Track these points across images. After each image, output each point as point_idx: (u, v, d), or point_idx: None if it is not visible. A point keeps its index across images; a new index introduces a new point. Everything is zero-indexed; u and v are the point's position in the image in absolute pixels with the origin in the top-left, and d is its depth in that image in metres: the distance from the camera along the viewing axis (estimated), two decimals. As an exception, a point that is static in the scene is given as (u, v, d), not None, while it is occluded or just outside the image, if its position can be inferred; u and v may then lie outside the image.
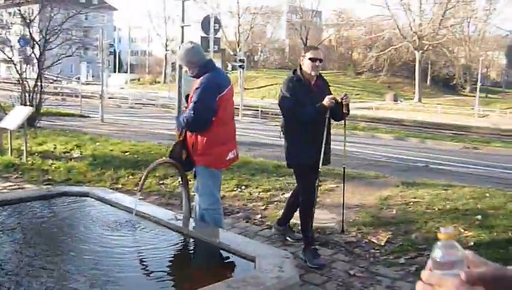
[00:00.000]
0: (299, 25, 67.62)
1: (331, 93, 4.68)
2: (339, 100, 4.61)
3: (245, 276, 3.07)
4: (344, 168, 5.76)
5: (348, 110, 4.74)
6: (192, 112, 4.22)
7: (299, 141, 4.62)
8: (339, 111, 4.68)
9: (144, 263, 3.56)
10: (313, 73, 4.61)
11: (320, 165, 4.69)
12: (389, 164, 12.26)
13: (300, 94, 4.54)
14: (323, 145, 4.61)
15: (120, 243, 3.75)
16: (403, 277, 4.31)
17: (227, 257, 3.53)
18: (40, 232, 4.00)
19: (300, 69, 4.68)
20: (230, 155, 4.46)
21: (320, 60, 4.65)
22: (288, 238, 5.18)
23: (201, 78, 4.34)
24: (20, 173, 7.88)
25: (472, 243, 4.84)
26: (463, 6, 52.19)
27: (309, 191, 4.78)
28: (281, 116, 4.89)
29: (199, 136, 4.31)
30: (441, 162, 14.07)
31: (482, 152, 18.73)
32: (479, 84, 43.87)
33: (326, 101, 4.44)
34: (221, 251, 3.61)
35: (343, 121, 5.00)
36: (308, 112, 4.47)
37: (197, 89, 4.31)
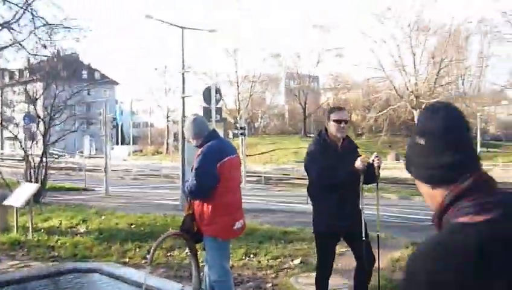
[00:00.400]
0: (297, 90, 68.90)
1: (359, 156, 4.40)
2: (371, 161, 4.32)
3: None
4: (378, 235, 5.00)
5: (379, 173, 4.40)
6: (194, 178, 4.29)
7: (326, 208, 4.33)
8: (371, 173, 4.34)
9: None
10: (338, 135, 4.43)
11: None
12: (397, 224, 12.16)
13: (327, 157, 4.33)
14: (356, 212, 4.40)
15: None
16: None
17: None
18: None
19: (326, 131, 4.52)
20: (238, 225, 4.47)
21: (346, 121, 4.50)
22: None
23: (203, 146, 4.45)
24: (26, 250, 7.81)
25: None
26: (456, 65, 53.41)
27: (327, 265, 4.54)
28: (306, 181, 4.69)
29: (205, 206, 4.35)
30: (448, 220, 13.91)
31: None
32: (479, 139, 44.15)
33: (358, 163, 4.20)
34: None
35: (374, 184, 4.59)
36: (338, 176, 4.22)
37: (198, 156, 4.41)
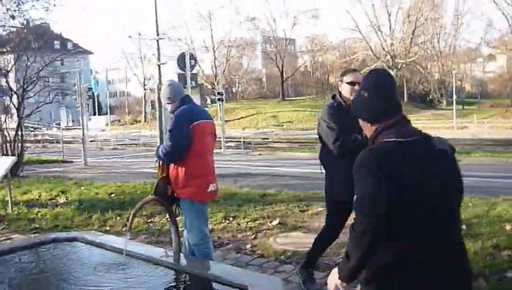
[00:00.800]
0: (274, 54, 68.50)
1: None
2: None
3: (239, 306, 3.12)
4: None
5: None
6: (169, 139, 4.39)
7: (343, 174, 3.89)
8: None
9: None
10: (352, 98, 4.09)
11: None
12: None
13: (343, 121, 4.12)
14: None
15: (112, 284, 3.77)
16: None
17: (221, 288, 3.56)
18: (33, 281, 4.00)
19: (340, 94, 4.34)
20: (211, 187, 4.57)
21: (360, 83, 4.29)
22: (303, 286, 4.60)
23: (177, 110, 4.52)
24: (6, 223, 7.84)
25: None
26: (432, 23, 53.58)
27: (336, 231, 4.49)
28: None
29: (179, 169, 4.46)
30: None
31: (464, 163, 18.96)
32: (454, 97, 44.71)
33: None
34: (214, 283, 3.65)
35: None
36: (356, 140, 4.00)
37: (171, 119, 4.51)
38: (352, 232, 2.10)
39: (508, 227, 5.46)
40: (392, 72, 49.73)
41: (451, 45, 60.53)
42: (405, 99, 60.12)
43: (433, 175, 2.11)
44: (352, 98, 3.97)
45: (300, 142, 32.26)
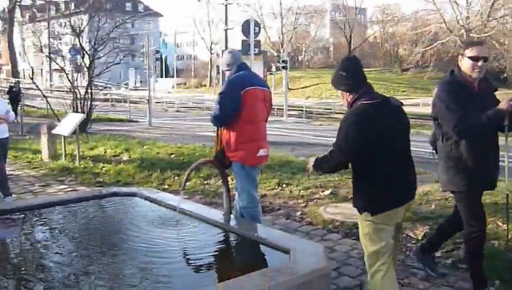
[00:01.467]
0: (343, 23, 67.13)
1: (497, 100, 3.73)
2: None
3: (280, 266, 3.27)
4: (507, 195, 4.29)
5: None
6: (218, 101, 4.58)
7: (469, 161, 3.69)
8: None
9: (186, 256, 3.82)
10: (474, 75, 3.69)
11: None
12: (434, 161, 12.15)
13: (466, 101, 3.63)
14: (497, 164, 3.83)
15: (165, 239, 4.02)
16: (438, 269, 4.40)
17: (265, 250, 3.73)
18: (94, 229, 4.32)
19: (459, 69, 3.79)
20: (261, 152, 4.69)
21: (485, 59, 3.71)
22: (428, 270, 4.33)
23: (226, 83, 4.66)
24: (73, 176, 8.37)
25: (510, 236, 4.86)
26: (513, -3, 50.61)
27: (481, 221, 3.85)
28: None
29: (231, 134, 4.62)
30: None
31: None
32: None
33: (504, 104, 3.55)
34: (259, 245, 3.82)
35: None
36: (482, 122, 3.55)
37: (224, 84, 4.69)
38: (329, 156, 3.34)
39: None
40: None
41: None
42: (477, 76, 57.70)
43: (395, 123, 3.29)
44: (474, 75, 3.68)
45: (363, 114, 31.81)
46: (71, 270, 3.39)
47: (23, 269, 3.41)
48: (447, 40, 50.68)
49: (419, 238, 5.13)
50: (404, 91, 52.22)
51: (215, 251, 3.99)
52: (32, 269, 3.42)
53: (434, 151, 4.17)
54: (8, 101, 17.81)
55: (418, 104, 40.73)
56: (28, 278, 3.25)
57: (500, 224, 5.24)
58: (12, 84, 19.74)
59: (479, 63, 3.66)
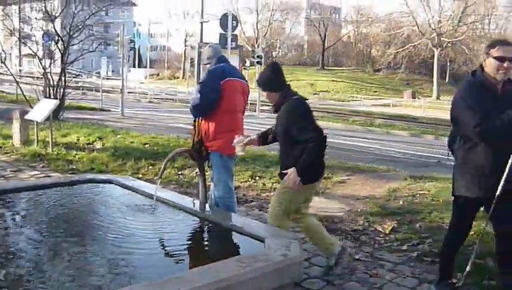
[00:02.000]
0: (318, 22, 67.63)
1: None
2: None
3: (255, 253, 3.38)
4: None
5: None
6: (198, 91, 4.73)
7: (476, 169, 3.59)
8: None
9: (162, 243, 3.90)
10: (498, 76, 3.50)
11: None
12: (403, 160, 12.48)
13: (488, 103, 3.46)
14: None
15: (141, 226, 4.09)
16: (405, 261, 4.60)
17: (240, 238, 3.84)
18: (68, 215, 4.35)
19: (482, 70, 3.58)
20: None
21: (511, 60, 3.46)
22: None
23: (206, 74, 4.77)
24: (46, 162, 8.32)
25: (472, 232, 5.08)
26: (483, 3, 51.81)
27: (460, 235, 4.02)
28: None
29: (209, 124, 4.76)
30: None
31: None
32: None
33: None
34: (234, 233, 3.93)
35: None
36: (503, 123, 3.35)
37: (203, 75, 4.84)
38: (310, 154, 3.84)
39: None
40: (436, 51, 48.81)
41: (502, 28, 58.65)
42: (447, 80, 58.95)
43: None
44: (498, 77, 3.49)
45: (334, 112, 32.24)
46: (38, 257, 3.44)
47: None
48: (419, 42, 51.69)
49: (387, 232, 5.32)
50: (375, 91, 52.99)
51: (191, 239, 4.09)
52: None
53: (450, 152, 4.12)
54: None
55: (388, 104, 41.45)
56: None
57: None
58: None
59: (505, 64, 3.44)
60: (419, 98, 46.71)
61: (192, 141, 4.99)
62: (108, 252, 3.52)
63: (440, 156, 14.40)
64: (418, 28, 50.65)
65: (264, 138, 4.49)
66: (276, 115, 4.15)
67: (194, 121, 4.94)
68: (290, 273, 3.39)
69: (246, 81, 5.13)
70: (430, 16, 49.90)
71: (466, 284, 4.06)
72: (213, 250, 3.89)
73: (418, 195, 6.63)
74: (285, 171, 3.98)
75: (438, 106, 41.48)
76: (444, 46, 49.83)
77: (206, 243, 4.15)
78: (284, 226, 4.16)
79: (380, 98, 47.45)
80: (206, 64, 4.94)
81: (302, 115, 4.00)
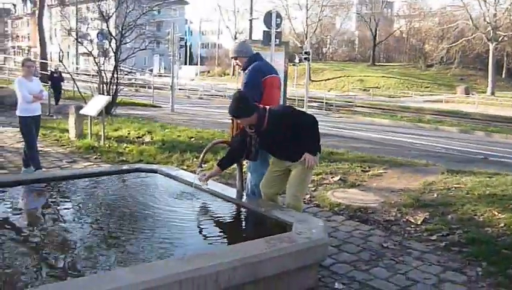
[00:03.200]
0: (369, 17, 66.82)
1: None
2: None
3: (281, 235, 3.67)
4: None
5: None
6: (244, 90, 4.93)
7: None
8: None
9: (200, 226, 4.25)
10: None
11: None
12: (447, 155, 12.40)
13: None
14: None
15: (180, 210, 4.45)
16: (432, 250, 4.75)
17: (271, 223, 4.14)
18: (116, 200, 4.78)
19: None
20: None
21: None
22: None
23: (248, 73, 5.00)
24: (98, 154, 8.86)
25: (502, 224, 5.19)
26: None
27: None
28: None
29: None
30: (504, 155, 14.01)
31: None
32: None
33: None
34: (266, 218, 4.23)
35: None
36: None
37: (245, 73, 5.02)
38: (314, 136, 4.29)
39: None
40: (491, 45, 47.29)
41: None
42: (503, 75, 57.02)
43: None
44: None
45: (383, 108, 31.96)
46: (89, 236, 3.86)
47: (44, 235, 3.89)
48: (473, 36, 50.21)
49: (418, 223, 5.47)
50: (427, 87, 51.95)
51: (226, 222, 4.42)
52: (54, 237, 3.89)
53: None
54: (50, 86, 18.19)
55: (441, 100, 40.62)
56: (47, 245, 3.72)
57: (496, 213, 5.56)
58: (54, 70, 19.73)
59: None
60: (473, 94, 45.51)
61: (231, 133, 5.29)
62: (149, 232, 3.91)
63: (487, 152, 14.24)
64: (472, 21, 49.20)
65: (228, 163, 4.74)
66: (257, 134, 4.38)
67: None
68: (314, 255, 3.66)
69: (278, 75, 5.40)
70: (485, 9, 48.36)
71: (491, 272, 4.21)
72: (245, 232, 4.21)
73: (453, 188, 6.71)
74: (302, 159, 4.27)
75: (492, 102, 40.36)
76: (499, 40, 48.23)
77: (239, 226, 4.48)
78: (301, 207, 4.55)
79: (432, 94, 46.55)
80: (241, 57, 5.12)
81: (292, 111, 4.39)
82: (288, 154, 4.42)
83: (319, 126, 4.41)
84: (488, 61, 48.64)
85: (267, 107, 4.36)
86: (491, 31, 47.40)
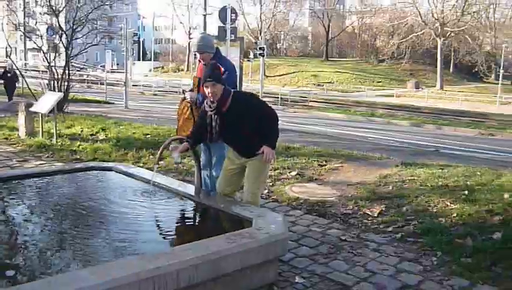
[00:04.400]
0: (322, 13, 67.59)
1: None
2: None
3: (242, 231, 3.67)
4: None
5: None
6: (230, 78, 4.87)
7: None
8: None
9: (158, 223, 4.19)
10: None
11: None
12: (400, 149, 12.68)
13: None
14: None
15: (137, 208, 4.38)
16: (389, 242, 4.85)
17: (230, 219, 4.13)
18: (71, 199, 4.66)
19: None
20: None
21: None
22: None
23: (222, 62, 4.84)
24: (50, 153, 8.61)
25: (455, 215, 5.35)
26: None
27: None
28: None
29: None
30: (453, 147, 14.46)
31: (497, 138, 19.01)
32: (501, 71, 43.57)
33: None
34: (225, 214, 4.21)
35: None
36: None
37: (225, 72, 4.75)
38: (273, 130, 4.26)
39: (506, 196, 5.79)
40: (439, 41, 48.68)
41: (507, 17, 58.36)
42: (450, 70, 58.82)
43: None
44: None
45: (337, 103, 32.42)
46: (42, 237, 3.74)
47: None
48: (422, 32, 51.56)
49: (375, 215, 5.57)
50: (379, 82, 53.02)
51: (184, 220, 4.38)
52: (4, 239, 3.75)
53: None
54: (3, 84, 17.46)
55: (392, 95, 41.55)
56: None
57: (448, 204, 5.73)
58: (7, 69, 18.55)
59: None
60: (422, 88, 46.79)
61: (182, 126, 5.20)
62: (106, 231, 3.82)
63: (438, 145, 14.67)
64: (421, 17, 50.53)
65: (196, 141, 4.61)
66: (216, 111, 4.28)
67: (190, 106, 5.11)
68: (274, 249, 3.67)
69: None
70: (433, 5, 49.75)
71: (446, 261, 4.33)
72: (205, 229, 4.17)
73: (407, 181, 6.87)
74: (259, 152, 4.22)
75: (441, 96, 41.61)
76: (447, 35, 49.72)
77: (199, 223, 4.44)
78: (259, 203, 4.60)
79: (384, 89, 47.56)
80: (210, 52, 5.01)
81: (257, 99, 4.49)
82: (246, 145, 4.34)
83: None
84: (437, 56, 50.07)
85: (233, 90, 4.39)
86: (439, 27, 48.81)
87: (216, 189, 4.97)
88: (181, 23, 67.36)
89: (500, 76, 43.19)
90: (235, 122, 4.22)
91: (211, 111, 4.26)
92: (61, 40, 15.70)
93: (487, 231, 4.90)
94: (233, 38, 14.14)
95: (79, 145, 9.08)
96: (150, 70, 64.39)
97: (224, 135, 4.37)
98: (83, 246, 3.49)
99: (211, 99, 4.20)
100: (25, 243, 3.52)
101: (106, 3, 17.58)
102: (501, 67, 44.16)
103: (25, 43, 40.90)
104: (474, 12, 51.39)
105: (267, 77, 52.55)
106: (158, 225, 4.17)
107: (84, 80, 35.95)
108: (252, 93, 4.66)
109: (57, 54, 16.18)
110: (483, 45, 57.54)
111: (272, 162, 4.48)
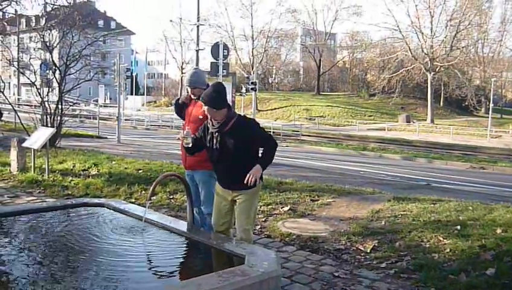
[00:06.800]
0: (313, 48, 68.58)
1: None
2: None
3: (234, 269, 3.64)
4: None
5: None
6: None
7: None
8: None
9: (150, 261, 4.16)
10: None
11: None
12: (392, 183, 12.74)
13: None
14: None
15: (129, 245, 4.35)
16: (382, 278, 4.83)
17: (223, 256, 4.10)
18: (63, 235, 4.61)
19: None
20: None
21: None
22: None
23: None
24: (42, 188, 8.56)
25: (448, 250, 5.35)
26: (476, 28, 52.69)
27: None
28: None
29: None
30: (445, 181, 14.52)
31: (488, 171, 19.12)
32: (491, 105, 44.16)
33: None
34: (217, 251, 4.19)
35: None
36: None
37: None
38: (271, 151, 4.29)
39: (498, 231, 5.81)
40: (429, 75, 49.43)
41: (495, 51, 59.52)
42: (441, 103, 59.56)
43: None
44: None
45: (329, 137, 32.61)
46: (34, 276, 3.69)
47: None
48: (412, 67, 52.34)
49: (368, 251, 5.56)
50: (371, 116, 53.48)
51: (177, 257, 4.35)
52: None
53: None
54: None
55: (383, 128, 41.86)
56: None
57: (441, 239, 5.72)
58: None
59: None
60: (413, 122, 47.21)
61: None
62: (97, 269, 3.78)
63: (429, 178, 14.73)
64: (411, 52, 51.39)
65: (195, 149, 4.60)
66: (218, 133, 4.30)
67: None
68: (267, 287, 3.64)
69: None
70: (423, 40, 50.69)
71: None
72: (197, 267, 4.14)
73: (400, 215, 6.88)
74: (246, 179, 4.13)
75: (432, 130, 42.00)
76: (437, 70, 50.49)
77: (191, 260, 4.41)
78: (252, 238, 4.58)
79: (375, 123, 47.96)
80: (202, 88, 5.05)
81: (259, 126, 4.44)
82: (237, 174, 4.25)
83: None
84: (427, 90, 50.74)
85: (235, 114, 4.40)
86: (429, 62, 49.62)
87: (209, 226, 4.98)
88: (174, 58, 68.06)
89: (490, 110, 43.73)
90: (235, 143, 4.25)
91: (213, 129, 4.34)
92: (54, 75, 15.77)
93: (480, 267, 4.90)
94: (225, 73, 14.31)
95: (71, 180, 9.04)
96: (143, 105, 64.67)
97: (220, 156, 4.35)
98: (75, 284, 3.45)
99: (209, 125, 4.37)
100: (15, 281, 3.47)
101: (100, 39, 17.76)
102: (491, 101, 44.78)
103: (18, 78, 41.08)
104: (463, 47, 52.40)
105: (260, 111, 52.96)
106: (150, 263, 4.13)
107: (77, 114, 36.02)
108: (255, 120, 4.62)
109: (50, 89, 16.22)
110: (472, 79, 58.49)
111: (259, 196, 4.55)
